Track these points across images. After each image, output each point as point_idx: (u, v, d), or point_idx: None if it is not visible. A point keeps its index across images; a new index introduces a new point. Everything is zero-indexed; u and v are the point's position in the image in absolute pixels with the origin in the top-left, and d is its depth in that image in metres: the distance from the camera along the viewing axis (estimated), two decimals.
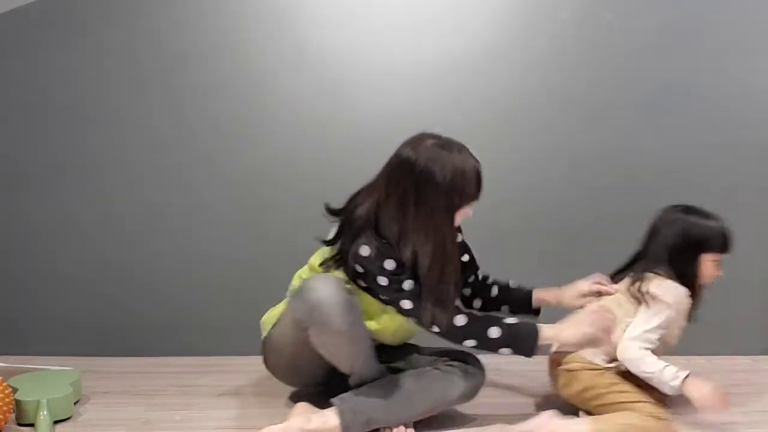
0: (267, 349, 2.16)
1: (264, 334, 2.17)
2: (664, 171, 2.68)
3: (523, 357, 1.93)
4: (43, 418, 2.01)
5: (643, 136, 2.68)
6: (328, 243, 2.04)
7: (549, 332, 1.96)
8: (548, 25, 2.65)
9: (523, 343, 1.92)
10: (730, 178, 2.69)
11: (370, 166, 2.77)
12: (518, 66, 2.68)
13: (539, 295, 2.20)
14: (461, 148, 1.90)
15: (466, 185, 1.87)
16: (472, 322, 1.93)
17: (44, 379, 2.24)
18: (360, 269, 1.94)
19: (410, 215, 1.89)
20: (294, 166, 2.69)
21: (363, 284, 1.98)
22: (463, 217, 1.95)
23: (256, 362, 2.52)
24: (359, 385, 1.99)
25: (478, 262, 2.25)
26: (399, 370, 2.09)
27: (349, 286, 1.96)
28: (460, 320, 1.92)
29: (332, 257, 2.01)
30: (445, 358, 2.09)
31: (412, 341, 2.21)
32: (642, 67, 2.66)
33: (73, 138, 2.69)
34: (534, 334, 1.93)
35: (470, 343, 1.93)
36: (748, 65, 2.67)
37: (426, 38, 2.65)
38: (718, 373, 2.46)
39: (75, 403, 2.22)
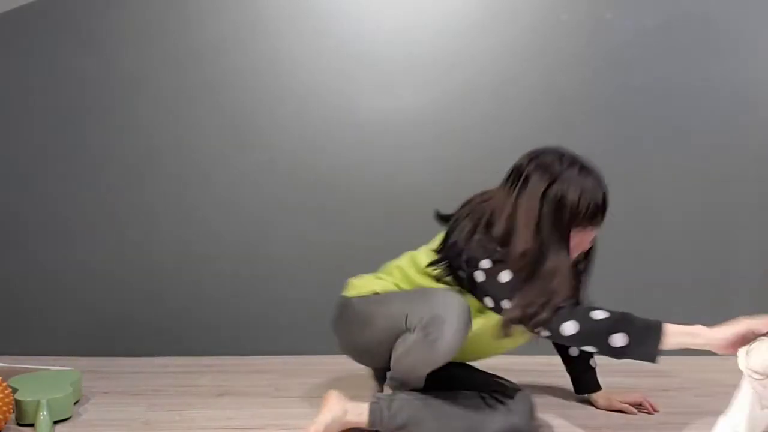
0: (345, 315, 2.04)
1: (349, 294, 2.05)
2: (663, 171, 2.68)
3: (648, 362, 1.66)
4: (43, 418, 2.01)
5: (643, 136, 2.68)
6: (438, 251, 1.93)
7: (687, 331, 1.64)
8: (549, 25, 2.65)
9: (649, 347, 1.63)
10: (730, 178, 2.69)
11: (376, 164, 2.77)
12: (519, 66, 2.68)
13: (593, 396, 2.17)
14: (595, 174, 1.83)
15: (594, 209, 1.79)
16: (586, 329, 1.68)
17: (44, 379, 2.24)
18: (479, 277, 1.83)
19: (531, 230, 1.78)
20: (296, 165, 2.69)
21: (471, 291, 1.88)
22: (582, 239, 1.84)
23: (256, 362, 2.52)
24: (398, 387, 1.90)
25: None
26: (445, 379, 1.96)
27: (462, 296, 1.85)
28: (569, 328, 1.69)
29: (440, 261, 1.91)
30: (496, 390, 1.93)
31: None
32: (642, 67, 2.66)
33: (73, 138, 2.69)
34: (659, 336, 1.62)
35: (590, 350, 1.73)
36: (748, 65, 2.67)
37: (426, 38, 2.66)
38: (730, 372, 2.46)
39: (75, 403, 2.22)
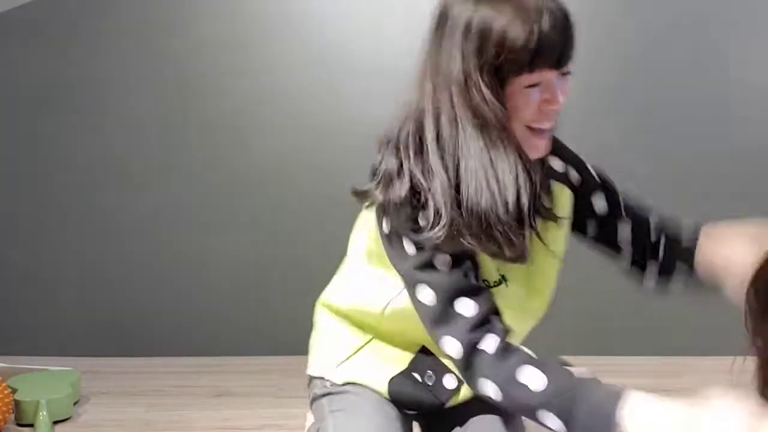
0: None
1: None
2: (663, 171, 2.68)
3: None
4: (43, 418, 2.01)
5: (643, 136, 2.68)
6: None
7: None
8: None
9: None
10: (730, 179, 2.69)
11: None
12: None
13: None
14: None
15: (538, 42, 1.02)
16: (509, 398, 1.04)
17: (44, 379, 2.24)
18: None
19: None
20: (298, 165, 2.69)
21: None
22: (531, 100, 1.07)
23: (256, 362, 2.52)
24: None
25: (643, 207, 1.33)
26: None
27: None
28: (488, 390, 1.05)
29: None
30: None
31: None
32: (641, 67, 2.66)
33: (73, 138, 2.68)
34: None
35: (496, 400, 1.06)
36: (749, 65, 2.67)
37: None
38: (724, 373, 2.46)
39: (75, 404, 2.22)
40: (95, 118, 2.68)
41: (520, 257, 1.09)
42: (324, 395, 1.32)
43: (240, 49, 2.66)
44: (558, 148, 1.27)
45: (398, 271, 1.15)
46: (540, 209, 1.14)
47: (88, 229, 2.71)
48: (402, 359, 1.28)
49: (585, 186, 1.28)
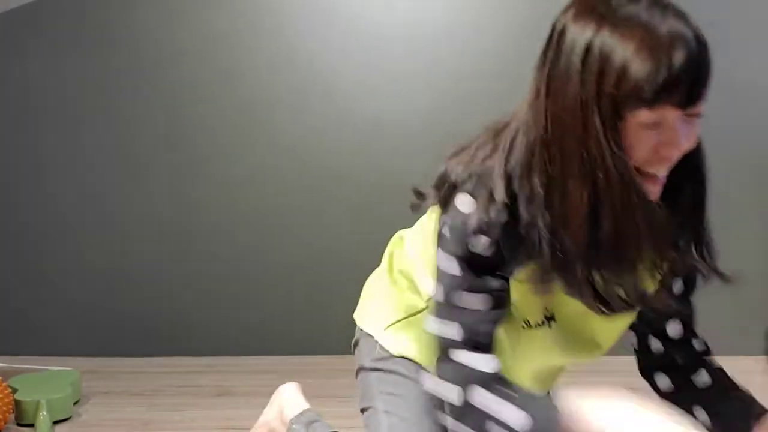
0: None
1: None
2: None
3: None
4: (43, 418, 2.01)
5: None
6: None
7: None
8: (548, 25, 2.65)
9: None
10: (729, 179, 2.69)
11: (381, 166, 2.77)
12: (518, 66, 2.67)
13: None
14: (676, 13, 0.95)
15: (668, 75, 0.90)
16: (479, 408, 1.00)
17: (44, 379, 2.24)
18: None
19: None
20: (296, 166, 2.69)
21: None
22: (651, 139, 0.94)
23: (256, 362, 2.52)
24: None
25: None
26: None
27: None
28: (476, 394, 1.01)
29: None
30: None
31: None
32: None
33: (73, 138, 2.68)
34: None
35: None
36: (748, 65, 2.66)
37: (425, 39, 2.65)
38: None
39: (75, 403, 2.22)
40: (95, 116, 2.68)
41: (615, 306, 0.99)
42: (373, 369, 1.27)
43: (242, 48, 2.66)
44: None
45: (438, 282, 1.05)
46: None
47: (89, 229, 2.71)
48: None
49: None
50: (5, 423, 2.01)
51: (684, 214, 1.07)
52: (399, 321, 1.27)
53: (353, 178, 2.69)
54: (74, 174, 2.70)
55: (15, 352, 2.62)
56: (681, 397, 1.18)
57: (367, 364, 1.29)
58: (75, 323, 2.73)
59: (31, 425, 2.03)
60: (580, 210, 0.93)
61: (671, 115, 0.92)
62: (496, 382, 1.02)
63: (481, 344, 1.02)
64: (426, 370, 1.17)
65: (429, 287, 1.15)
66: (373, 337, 1.29)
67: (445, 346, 1.04)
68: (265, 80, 2.66)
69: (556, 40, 0.98)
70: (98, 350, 2.70)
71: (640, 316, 1.15)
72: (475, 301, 1.02)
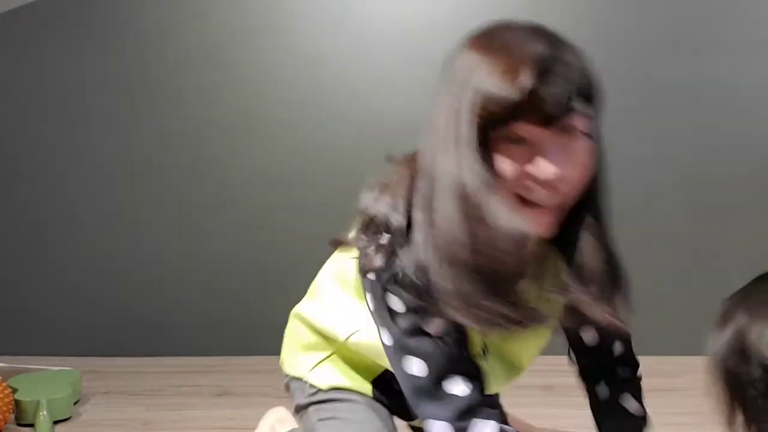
0: None
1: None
2: (663, 171, 2.68)
3: None
4: (43, 418, 2.01)
5: (643, 137, 2.68)
6: None
7: None
8: (548, 26, 2.65)
9: None
10: (729, 179, 2.69)
11: (379, 165, 2.75)
12: None
13: None
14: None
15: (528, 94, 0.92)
16: None
17: (44, 379, 2.24)
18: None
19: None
20: (297, 166, 2.69)
21: None
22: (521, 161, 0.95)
23: (256, 362, 2.52)
24: None
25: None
26: None
27: None
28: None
29: None
30: None
31: None
32: (642, 67, 2.66)
33: (73, 138, 2.68)
34: None
35: None
36: (749, 65, 2.66)
37: (425, 40, 2.65)
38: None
39: (75, 403, 2.22)
40: (96, 116, 2.68)
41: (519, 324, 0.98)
42: (308, 404, 1.28)
43: (242, 48, 2.66)
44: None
45: (382, 327, 1.04)
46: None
47: (89, 229, 2.71)
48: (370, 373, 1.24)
49: None
50: (5, 423, 2.01)
51: (580, 250, 1.01)
52: (322, 360, 1.29)
53: (356, 179, 2.68)
54: (75, 174, 2.70)
55: (15, 352, 2.62)
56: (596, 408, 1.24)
57: (303, 401, 1.30)
58: (75, 323, 2.73)
59: (31, 425, 2.03)
60: (457, 235, 0.93)
61: (532, 132, 0.92)
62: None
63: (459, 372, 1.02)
64: (360, 393, 1.21)
65: (344, 329, 1.20)
66: (301, 379, 1.30)
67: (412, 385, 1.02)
68: (271, 82, 2.66)
69: (443, 71, 1.02)
70: (98, 350, 2.70)
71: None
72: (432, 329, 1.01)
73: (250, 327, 2.73)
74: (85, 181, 2.70)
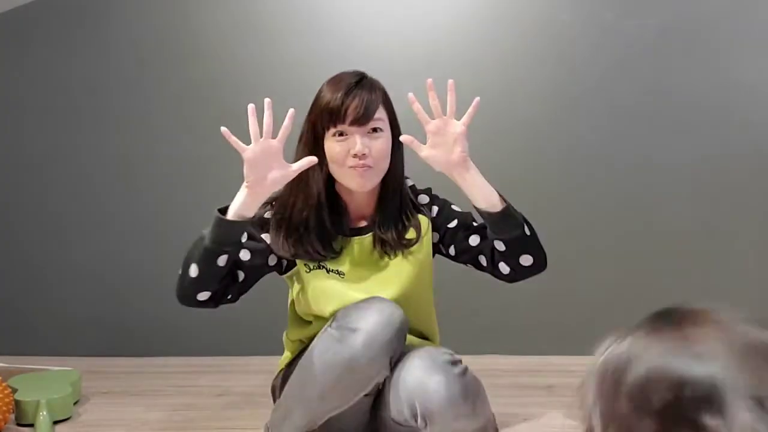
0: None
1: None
2: (663, 171, 2.68)
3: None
4: (43, 418, 2.01)
5: (643, 137, 2.68)
6: None
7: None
8: (548, 26, 2.65)
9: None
10: (729, 180, 2.69)
11: None
12: (518, 67, 2.68)
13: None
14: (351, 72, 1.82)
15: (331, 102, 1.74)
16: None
17: (44, 379, 2.24)
18: None
19: None
20: None
21: None
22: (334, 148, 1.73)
23: (256, 362, 2.52)
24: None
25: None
26: None
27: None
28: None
29: None
30: None
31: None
32: (642, 67, 2.66)
33: (73, 138, 2.69)
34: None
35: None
36: (749, 65, 2.67)
37: (424, 41, 2.65)
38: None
39: (75, 403, 2.22)
40: (95, 118, 2.68)
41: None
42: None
43: (241, 49, 2.66)
44: (427, 191, 1.88)
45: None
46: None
47: (89, 229, 2.71)
48: None
49: (439, 214, 1.85)
50: (5, 423, 2.01)
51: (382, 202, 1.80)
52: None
53: None
54: (75, 174, 2.70)
55: (15, 352, 2.62)
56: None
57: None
58: (75, 323, 2.73)
59: (31, 425, 2.03)
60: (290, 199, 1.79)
61: (351, 130, 1.71)
62: None
63: None
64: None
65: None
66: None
67: None
68: (269, 82, 2.67)
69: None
70: (98, 350, 2.70)
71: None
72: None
73: (250, 327, 2.73)
74: (85, 181, 2.70)
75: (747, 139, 2.69)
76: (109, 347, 2.71)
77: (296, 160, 1.70)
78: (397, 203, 1.78)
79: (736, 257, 2.67)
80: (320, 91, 1.74)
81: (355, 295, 1.72)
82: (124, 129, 2.69)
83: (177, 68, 2.66)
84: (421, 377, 1.64)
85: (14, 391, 2.09)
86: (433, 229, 1.82)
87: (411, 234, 1.78)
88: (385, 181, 1.78)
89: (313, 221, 1.74)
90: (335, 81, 1.74)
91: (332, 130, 1.70)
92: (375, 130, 1.71)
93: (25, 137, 2.69)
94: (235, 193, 2.75)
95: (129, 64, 2.66)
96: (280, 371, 1.90)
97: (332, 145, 1.71)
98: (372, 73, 2.76)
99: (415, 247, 1.77)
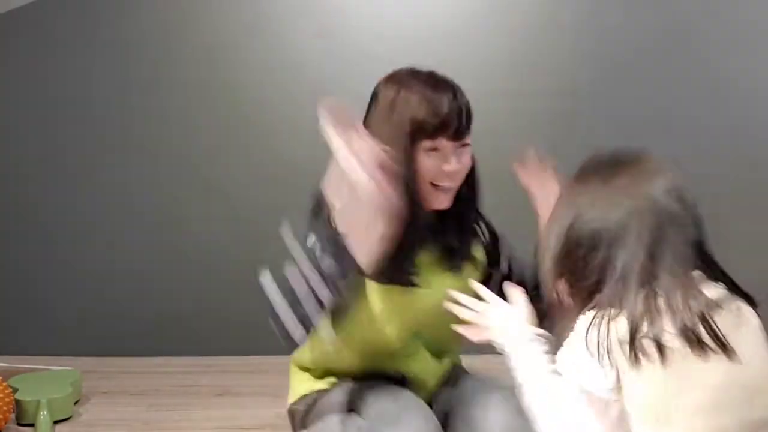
0: None
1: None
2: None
3: None
4: (43, 418, 2.01)
5: (643, 137, 2.68)
6: None
7: None
8: (548, 26, 2.65)
9: None
10: (728, 180, 2.69)
11: None
12: (518, 67, 2.68)
13: None
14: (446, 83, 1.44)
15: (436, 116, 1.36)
16: None
17: (44, 379, 2.24)
18: None
19: None
20: (298, 165, 2.69)
21: None
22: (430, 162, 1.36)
23: (256, 362, 2.52)
24: None
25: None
26: None
27: None
28: None
29: None
30: None
31: None
32: (641, 67, 2.66)
33: (73, 139, 2.69)
34: None
35: None
36: (748, 65, 2.67)
37: (424, 42, 2.66)
38: None
39: (75, 403, 2.22)
40: (94, 117, 2.68)
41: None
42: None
43: (243, 49, 2.66)
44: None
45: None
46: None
47: (89, 229, 2.71)
48: None
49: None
50: (6, 423, 2.01)
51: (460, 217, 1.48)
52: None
53: None
54: (74, 175, 2.70)
55: (15, 352, 2.62)
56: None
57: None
58: (75, 323, 2.73)
59: (32, 425, 2.03)
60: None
61: (445, 144, 1.36)
62: None
63: None
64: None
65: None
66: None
67: None
68: (270, 82, 2.67)
69: (372, 98, 1.46)
70: (98, 350, 2.70)
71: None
72: None
73: (250, 327, 2.72)
74: (85, 181, 2.70)
75: (746, 139, 2.69)
76: (109, 347, 2.71)
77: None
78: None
79: (737, 257, 2.67)
80: (399, 94, 1.40)
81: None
82: (127, 128, 2.69)
83: (177, 68, 2.66)
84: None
85: (15, 390, 2.09)
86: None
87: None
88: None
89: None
90: (425, 84, 1.41)
91: (427, 143, 1.36)
92: (465, 144, 1.40)
93: (26, 136, 2.69)
94: (234, 192, 2.76)
95: (131, 64, 2.66)
96: (303, 396, 1.56)
97: (422, 159, 1.36)
98: (372, 73, 2.74)
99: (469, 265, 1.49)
